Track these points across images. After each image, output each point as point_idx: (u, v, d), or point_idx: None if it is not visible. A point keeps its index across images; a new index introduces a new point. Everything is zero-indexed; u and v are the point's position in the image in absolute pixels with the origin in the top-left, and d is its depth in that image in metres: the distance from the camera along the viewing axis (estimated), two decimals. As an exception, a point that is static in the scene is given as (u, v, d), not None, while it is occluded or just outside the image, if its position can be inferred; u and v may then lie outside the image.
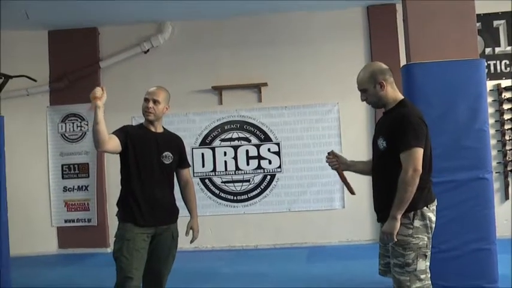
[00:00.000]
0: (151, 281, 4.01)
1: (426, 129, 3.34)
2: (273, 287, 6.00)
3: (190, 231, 4.23)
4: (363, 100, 3.57)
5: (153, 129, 4.02)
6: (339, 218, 8.08)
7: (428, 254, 3.33)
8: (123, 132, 3.87)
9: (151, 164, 3.90)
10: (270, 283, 6.16)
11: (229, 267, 7.14)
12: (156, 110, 3.98)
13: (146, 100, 4.01)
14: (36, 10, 7.41)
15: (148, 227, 3.86)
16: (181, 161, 4.17)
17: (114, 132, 3.83)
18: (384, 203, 3.35)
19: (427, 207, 3.32)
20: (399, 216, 3.22)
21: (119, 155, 3.91)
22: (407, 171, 3.17)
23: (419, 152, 3.21)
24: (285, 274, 6.56)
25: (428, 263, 3.33)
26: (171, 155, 4.00)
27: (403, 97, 3.52)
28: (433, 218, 3.35)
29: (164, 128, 4.17)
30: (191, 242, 4.20)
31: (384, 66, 3.54)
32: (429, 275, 3.34)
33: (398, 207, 3.21)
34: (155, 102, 3.99)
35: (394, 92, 3.47)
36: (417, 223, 3.28)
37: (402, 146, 3.22)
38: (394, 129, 3.28)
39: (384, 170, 3.40)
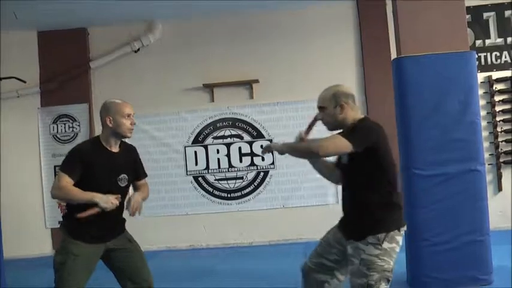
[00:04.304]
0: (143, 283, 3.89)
1: (379, 140, 3.22)
2: (269, 284, 6.00)
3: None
4: (319, 119, 3.45)
5: (114, 149, 3.76)
6: (334, 213, 7.99)
7: (391, 279, 3.21)
8: (77, 169, 3.58)
9: (108, 189, 3.64)
10: (265, 280, 6.15)
11: (224, 264, 7.13)
12: None
13: (129, 116, 3.72)
14: (25, 11, 7.36)
15: (97, 244, 3.72)
16: (138, 174, 3.99)
17: (70, 175, 3.56)
18: (356, 223, 3.30)
19: (398, 230, 3.23)
20: (286, 150, 3.34)
21: None
22: (318, 143, 3.13)
23: (344, 144, 3.08)
24: (281, 270, 6.56)
25: None
26: (126, 177, 3.80)
27: (363, 116, 3.42)
28: (400, 243, 3.25)
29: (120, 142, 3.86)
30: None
31: (349, 90, 3.42)
32: None
33: (293, 148, 3.37)
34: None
35: (355, 114, 3.37)
36: (386, 245, 3.16)
37: (340, 132, 3.18)
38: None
39: (351, 184, 3.36)
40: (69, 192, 3.54)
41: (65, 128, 8.53)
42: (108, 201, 3.55)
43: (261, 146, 8.11)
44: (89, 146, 3.78)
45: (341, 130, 3.31)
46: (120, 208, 3.80)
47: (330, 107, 3.35)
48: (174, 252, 8.13)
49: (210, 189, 8.39)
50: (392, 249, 3.19)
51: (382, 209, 3.23)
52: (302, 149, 3.30)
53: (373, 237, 3.16)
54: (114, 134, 3.72)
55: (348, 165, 3.29)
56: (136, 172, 3.97)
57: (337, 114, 3.34)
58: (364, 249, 3.17)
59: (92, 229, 3.64)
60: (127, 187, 3.86)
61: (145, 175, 4.06)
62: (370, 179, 3.23)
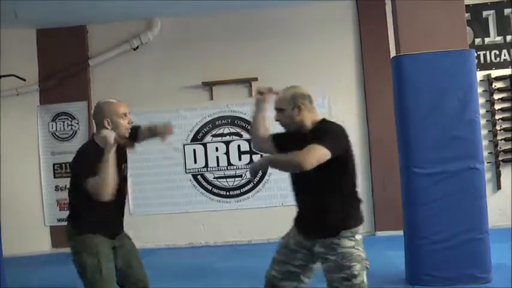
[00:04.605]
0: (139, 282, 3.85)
1: (347, 143, 3.29)
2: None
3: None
4: (276, 120, 3.48)
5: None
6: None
7: (368, 267, 3.29)
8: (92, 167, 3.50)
9: (117, 181, 3.61)
10: (264, 278, 6.14)
11: (222, 262, 7.13)
12: None
13: (125, 116, 3.68)
14: (24, 9, 7.35)
15: (112, 238, 3.72)
16: (135, 136, 3.88)
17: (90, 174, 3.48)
18: (327, 221, 3.32)
19: (361, 224, 3.36)
20: (267, 165, 3.34)
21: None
22: (302, 157, 3.06)
23: (324, 153, 3.09)
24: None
25: None
26: (126, 165, 3.85)
27: (322, 118, 3.45)
28: None
29: None
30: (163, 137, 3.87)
31: (307, 92, 3.50)
32: None
33: (269, 161, 3.35)
34: None
35: (313, 116, 3.41)
36: (358, 237, 3.29)
37: (316, 140, 3.13)
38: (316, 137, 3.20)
39: (318, 187, 3.34)
40: (102, 180, 3.41)
41: (64, 125, 8.52)
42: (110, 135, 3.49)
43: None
44: (90, 146, 3.71)
45: (301, 132, 3.38)
46: (124, 201, 3.83)
47: (288, 109, 3.40)
48: (173, 250, 8.13)
49: (209, 187, 8.39)
50: (360, 240, 3.31)
51: (350, 206, 3.34)
52: (284, 162, 3.25)
53: (347, 231, 3.26)
54: None
55: (315, 168, 3.18)
56: (133, 137, 3.87)
57: (294, 115, 3.38)
58: (339, 243, 3.24)
59: (103, 220, 3.61)
60: (126, 172, 3.88)
61: (138, 126, 3.92)
62: (338, 180, 3.29)
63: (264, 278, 3.75)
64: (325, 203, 3.31)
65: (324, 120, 3.42)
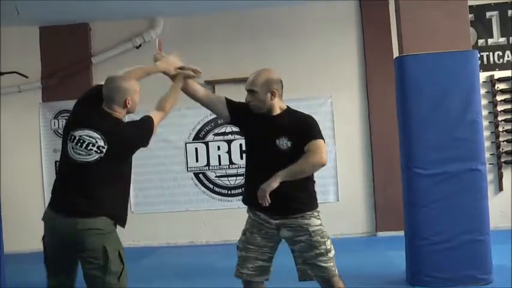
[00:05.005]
0: None
1: None
2: (269, 280, 5.98)
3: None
4: (247, 101, 3.56)
5: None
6: (333, 212, 8.05)
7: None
8: None
9: None
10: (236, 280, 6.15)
11: (224, 261, 7.09)
12: None
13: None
14: (27, 6, 7.36)
15: None
16: None
17: None
18: (295, 199, 3.48)
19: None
20: (284, 179, 3.28)
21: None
22: (319, 155, 3.29)
23: (324, 145, 3.37)
24: (280, 268, 6.54)
25: None
26: None
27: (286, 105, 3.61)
28: None
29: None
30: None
31: (279, 77, 3.58)
32: None
33: (288, 174, 3.29)
34: None
35: (280, 102, 3.56)
36: (320, 216, 3.52)
37: (311, 137, 3.35)
38: (300, 128, 3.40)
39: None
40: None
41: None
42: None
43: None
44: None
45: (268, 115, 3.52)
46: None
47: (261, 92, 3.47)
48: (174, 249, 8.12)
49: (211, 185, 8.39)
50: None
51: (313, 188, 3.60)
52: (306, 168, 3.36)
53: (314, 211, 3.49)
54: (127, 113, 3.67)
55: (287, 152, 3.38)
56: None
57: (267, 100, 3.48)
58: (309, 222, 3.45)
59: None
60: None
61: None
62: None
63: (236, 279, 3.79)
64: (295, 186, 3.39)
65: (290, 109, 3.60)
